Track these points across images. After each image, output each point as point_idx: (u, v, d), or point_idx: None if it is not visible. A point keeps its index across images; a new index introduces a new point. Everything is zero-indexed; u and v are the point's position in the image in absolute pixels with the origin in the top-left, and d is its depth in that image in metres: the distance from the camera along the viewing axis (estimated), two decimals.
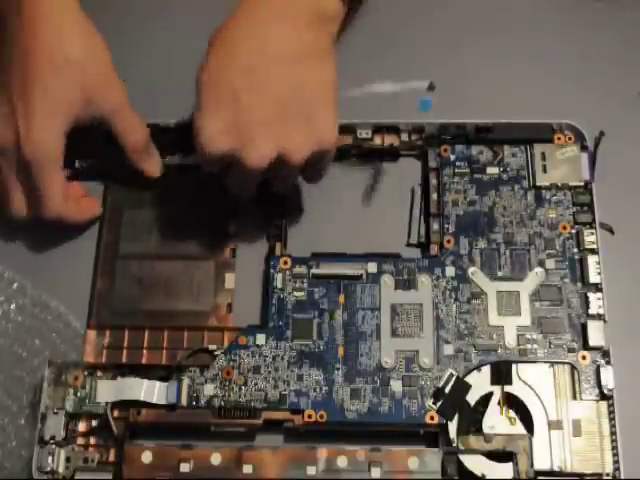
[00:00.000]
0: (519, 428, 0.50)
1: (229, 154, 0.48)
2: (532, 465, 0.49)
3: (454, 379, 0.51)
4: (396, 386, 0.51)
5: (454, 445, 0.49)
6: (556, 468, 0.49)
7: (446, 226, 0.55)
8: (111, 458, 0.51)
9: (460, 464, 0.49)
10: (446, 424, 0.50)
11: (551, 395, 0.50)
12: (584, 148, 0.56)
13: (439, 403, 0.50)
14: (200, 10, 0.62)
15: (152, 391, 0.51)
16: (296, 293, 0.53)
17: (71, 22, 0.52)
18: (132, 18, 0.62)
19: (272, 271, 0.54)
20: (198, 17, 0.60)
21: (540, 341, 0.52)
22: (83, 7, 0.53)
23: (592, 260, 0.53)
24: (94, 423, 0.51)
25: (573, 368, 0.51)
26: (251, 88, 0.48)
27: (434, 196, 0.55)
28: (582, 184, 0.55)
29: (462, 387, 0.51)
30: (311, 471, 0.49)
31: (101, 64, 0.53)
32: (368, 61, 0.60)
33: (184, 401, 0.51)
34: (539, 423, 0.50)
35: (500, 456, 0.49)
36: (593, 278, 0.53)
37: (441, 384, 0.51)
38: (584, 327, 0.52)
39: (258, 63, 0.48)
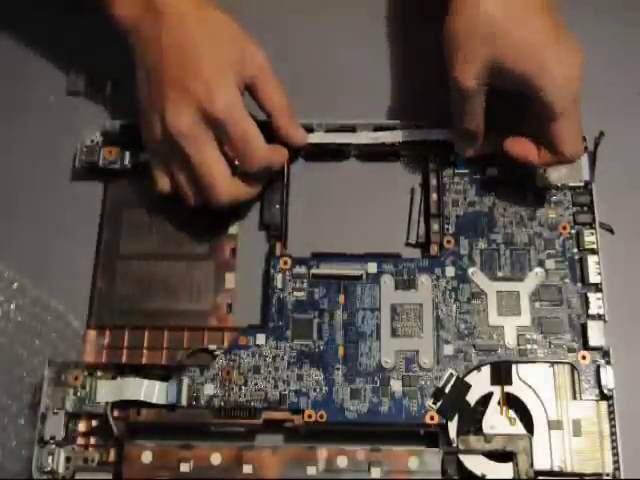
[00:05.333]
0: (519, 428, 0.50)
1: None
2: (532, 465, 0.49)
3: (454, 379, 0.51)
4: (396, 386, 0.51)
5: (454, 445, 0.49)
6: (556, 468, 0.49)
7: (446, 226, 0.55)
8: (111, 458, 0.51)
9: (460, 464, 0.49)
10: (446, 424, 0.50)
11: (551, 395, 0.50)
12: (584, 148, 0.56)
13: (439, 403, 0.50)
14: None
15: (152, 391, 0.51)
16: (296, 293, 0.53)
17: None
18: None
19: (272, 271, 0.54)
20: None
21: (540, 341, 0.52)
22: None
23: (592, 260, 0.53)
24: (94, 423, 0.51)
25: (573, 368, 0.51)
26: None
27: (434, 196, 0.55)
28: (582, 184, 0.55)
29: (462, 387, 0.51)
30: (311, 471, 0.49)
31: (240, 30, 0.53)
32: None
33: (184, 401, 0.51)
34: (539, 423, 0.50)
35: (500, 456, 0.49)
36: (593, 278, 0.53)
37: (441, 384, 0.51)
38: (584, 327, 0.52)
39: None
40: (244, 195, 0.54)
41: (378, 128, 0.57)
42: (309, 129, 0.56)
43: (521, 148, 0.53)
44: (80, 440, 0.51)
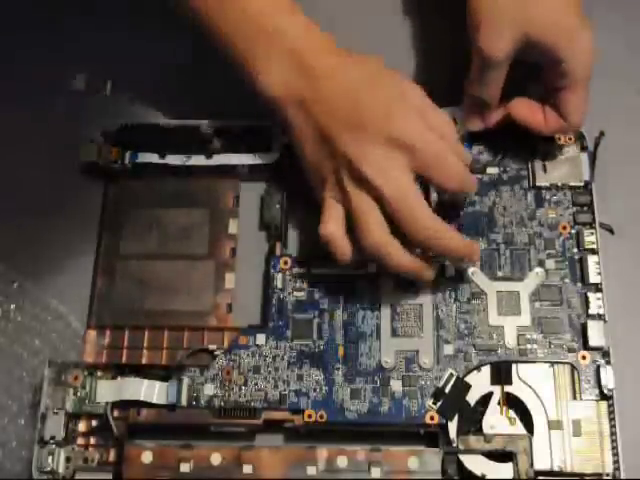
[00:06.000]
0: (519, 428, 0.50)
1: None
2: (532, 465, 0.49)
3: (454, 379, 0.51)
4: (396, 386, 0.51)
5: (454, 445, 0.49)
6: (556, 468, 0.49)
7: None
8: (111, 458, 0.51)
9: (460, 464, 0.49)
10: (446, 424, 0.50)
11: (551, 395, 0.50)
12: (584, 148, 0.56)
13: (439, 403, 0.50)
14: None
15: (152, 391, 0.51)
16: (296, 293, 0.53)
17: None
18: (130, 17, 0.62)
19: (272, 271, 0.54)
20: None
21: (540, 341, 0.52)
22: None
23: (592, 260, 0.53)
24: (94, 423, 0.51)
25: (573, 368, 0.51)
26: None
27: (434, 196, 0.55)
28: (582, 184, 0.55)
29: (462, 387, 0.51)
30: (311, 471, 0.49)
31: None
32: None
33: (184, 401, 0.51)
34: (539, 423, 0.50)
35: (500, 456, 0.49)
36: (593, 278, 0.53)
37: (441, 384, 0.51)
38: (584, 327, 0.52)
39: None
40: (418, 274, 0.51)
41: None
42: None
43: (528, 111, 0.54)
44: (80, 440, 0.51)
